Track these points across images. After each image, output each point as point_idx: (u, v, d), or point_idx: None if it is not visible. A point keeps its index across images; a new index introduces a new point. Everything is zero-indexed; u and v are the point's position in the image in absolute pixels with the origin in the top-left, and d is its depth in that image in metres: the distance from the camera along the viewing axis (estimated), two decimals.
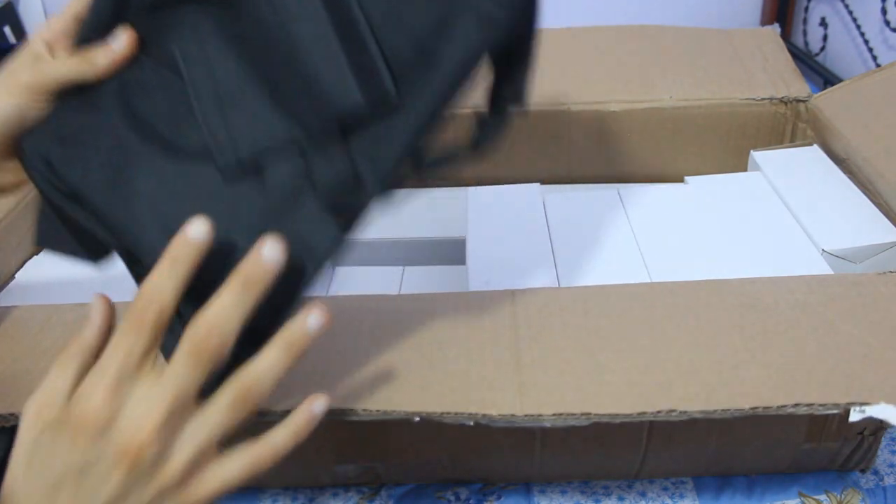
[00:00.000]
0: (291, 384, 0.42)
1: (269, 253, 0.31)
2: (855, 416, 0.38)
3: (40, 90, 0.38)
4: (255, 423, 0.34)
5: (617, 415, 0.39)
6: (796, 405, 0.38)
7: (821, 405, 0.39)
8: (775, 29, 0.84)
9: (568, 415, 0.39)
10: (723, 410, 0.39)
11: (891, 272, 0.48)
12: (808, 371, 0.40)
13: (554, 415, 0.39)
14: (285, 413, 0.39)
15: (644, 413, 0.39)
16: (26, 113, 0.38)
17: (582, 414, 0.39)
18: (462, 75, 0.33)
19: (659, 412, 0.39)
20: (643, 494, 0.53)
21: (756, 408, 0.38)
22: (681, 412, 0.39)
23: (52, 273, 0.60)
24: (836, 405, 0.38)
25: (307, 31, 0.33)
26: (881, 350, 0.41)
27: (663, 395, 0.40)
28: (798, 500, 0.52)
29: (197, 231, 0.31)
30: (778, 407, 0.38)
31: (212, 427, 0.32)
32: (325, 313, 0.33)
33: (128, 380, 0.32)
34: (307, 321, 0.33)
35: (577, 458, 0.53)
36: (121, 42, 0.38)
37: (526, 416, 0.39)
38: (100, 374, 0.32)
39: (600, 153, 0.75)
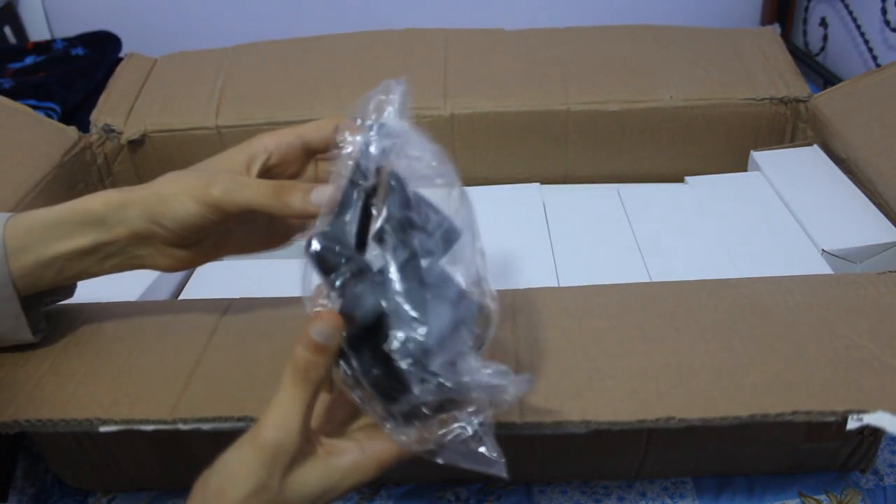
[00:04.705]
0: None
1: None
2: (853, 425, 0.38)
3: (224, 209, 0.38)
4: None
5: (616, 422, 0.39)
6: (794, 413, 0.38)
7: (819, 413, 0.38)
8: (775, 29, 0.84)
9: (567, 423, 0.39)
10: (721, 418, 0.38)
11: (891, 272, 0.48)
12: (807, 377, 0.40)
13: (553, 423, 0.39)
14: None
15: (643, 420, 0.39)
16: (203, 222, 0.39)
17: (581, 422, 0.39)
18: None
19: (658, 420, 0.39)
20: (643, 494, 0.53)
21: (754, 415, 0.38)
22: (680, 420, 0.39)
23: None
24: (834, 413, 0.38)
25: None
26: (880, 355, 0.41)
27: (662, 401, 0.39)
28: (798, 500, 0.52)
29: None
30: (776, 415, 0.38)
31: None
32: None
33: None
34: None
35: (577, 458, 0.53)
36: (320, 197, 0.36)
37: (525, 423, 0.39)
38: None
39: (600, 153, 0.75)
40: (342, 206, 0.35)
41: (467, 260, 0.34)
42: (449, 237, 0.34)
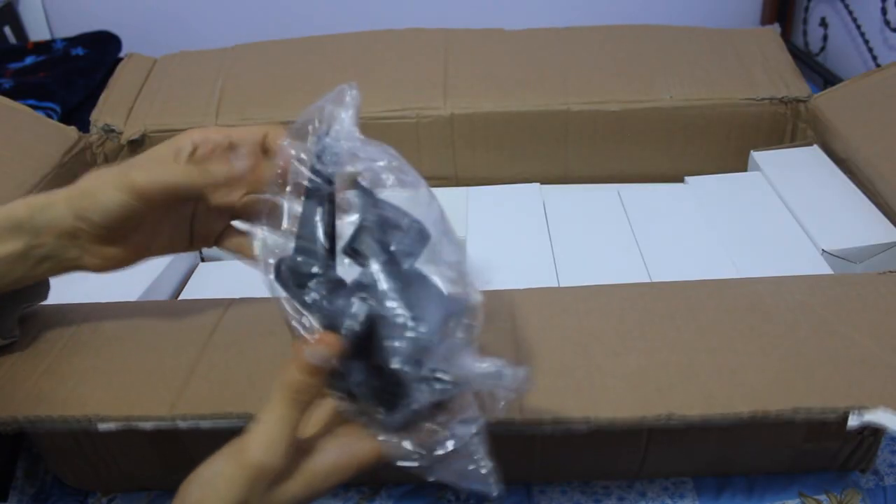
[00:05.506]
0: None
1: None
2: (853, 422, 0.38)
3: (146, 194, 0.38)
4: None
5: (616, 420, 0.39)
6: (795, 410, 0.38)
7: (819, 410, 0.38)
8: (775, 29, 0.84)
9: (568, 420, 0.39)
10: (722, 416, 0.38)
11: (891, 272, 0.48)
12: (808, 375, 0.40)
13: (554, 420, 0.39)
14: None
15: (644, 418, 0.39)
16: (128, 211, 0.39)
17: (582, 419, 0.39)
18: None
19: (658, 417, 0.39)
20: (643, 494, 0.53)
21: (755, 413, 0.38)
22: (680, 417, 0.39)
23: None
24: (835, 410, 0.38)
25: None
26: (880, 354, 0.41)
27: (663, 399, 0.39)
28: (798, 500, 0.52)
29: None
30: (777, 413, 0.38)
31: None
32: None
33: None
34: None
35: (577, 458, 0.53)
36: (241, 164, 0.38)
37: (525, 421, 0.39)
38: None
39: (600, 153, 0.75)
40: (302, 218, 0.35)
41: (444, 257, 0.34)
42: (422, 238, 0.34)
